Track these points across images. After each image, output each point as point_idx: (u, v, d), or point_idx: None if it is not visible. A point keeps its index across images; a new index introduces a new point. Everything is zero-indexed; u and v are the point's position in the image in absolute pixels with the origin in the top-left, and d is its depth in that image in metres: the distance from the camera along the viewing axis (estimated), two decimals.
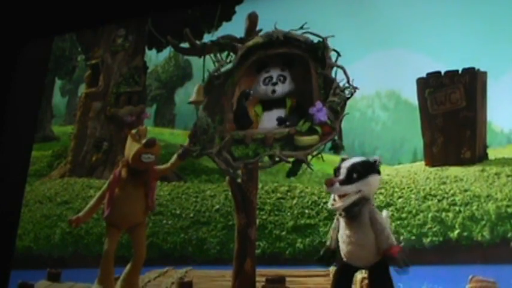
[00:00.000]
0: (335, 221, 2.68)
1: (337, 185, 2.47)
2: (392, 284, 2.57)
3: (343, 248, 2.59)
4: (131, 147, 3.25)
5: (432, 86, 9.72)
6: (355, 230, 2.52)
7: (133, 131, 3.28)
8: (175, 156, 3.27)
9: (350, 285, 2.70)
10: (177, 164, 3.32)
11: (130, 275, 3.24)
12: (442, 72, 9.71)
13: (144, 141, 3.19)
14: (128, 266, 3.26)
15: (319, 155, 3.10)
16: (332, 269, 4.35)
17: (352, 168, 2.49)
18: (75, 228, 3.35)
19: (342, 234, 2.57)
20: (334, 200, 2.55)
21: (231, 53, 3.35)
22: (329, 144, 3.09)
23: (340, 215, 2.56)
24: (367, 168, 2.52)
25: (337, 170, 2.54)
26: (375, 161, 2.57)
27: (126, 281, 3.22)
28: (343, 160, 2.60)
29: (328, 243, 2.73)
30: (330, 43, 3.22)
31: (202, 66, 3.32)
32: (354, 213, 2.50)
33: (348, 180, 2.47)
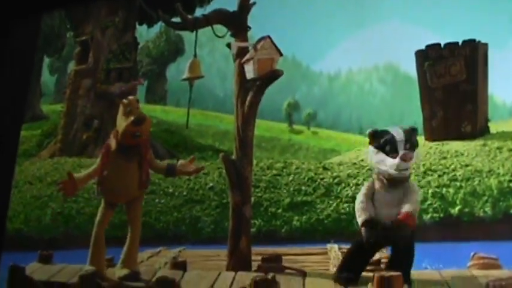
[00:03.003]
0: (364, 191, 2.74)
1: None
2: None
3: (383, 212, 2.69)
4: (121, 121, 3.19)
5: (431, 58, 9.54)
6: (399, 193, 2.69)
7: (125, 101, 3.19)
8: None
9: (368, 262, 2.83)
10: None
11: (129, 252, 3.24)
12: (442, 45, 9.54)
13: (133, 118, 3.11)
14: (126, 244, 3.27)
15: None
16: (330, 246, 4.25)
17: (407, 140, 2.67)
18: (71, 196, 3.34)
19: (382, 197, 2.71)
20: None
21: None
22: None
23: (390, 180, 2.67)
24: (415, 137, 2.74)
25: (391, 144, 2.65)
26: (414, 130, 2.76)
27: (126, 258, 3.22)
28: (376, 133, 2.70)
29: (364, 215, 2.72)
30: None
31: (194, 41, 3.23)
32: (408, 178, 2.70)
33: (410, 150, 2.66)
